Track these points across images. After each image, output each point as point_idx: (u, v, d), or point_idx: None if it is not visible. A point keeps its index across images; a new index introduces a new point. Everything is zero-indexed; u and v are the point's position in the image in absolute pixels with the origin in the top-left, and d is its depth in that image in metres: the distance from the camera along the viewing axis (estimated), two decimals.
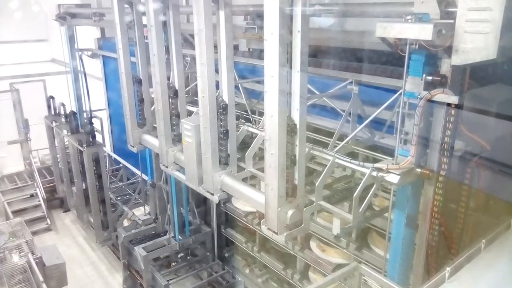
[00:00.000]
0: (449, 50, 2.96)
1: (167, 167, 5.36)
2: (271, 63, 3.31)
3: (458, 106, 3.09)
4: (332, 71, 4.80)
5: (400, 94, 3.38)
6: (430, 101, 3.17)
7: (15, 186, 11.49)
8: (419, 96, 3.20)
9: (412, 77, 3.24)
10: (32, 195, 11.25)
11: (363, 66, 4.49)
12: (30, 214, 10.67)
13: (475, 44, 2.80)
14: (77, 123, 9.73)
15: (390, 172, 3.42)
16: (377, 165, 3.56)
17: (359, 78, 4.46)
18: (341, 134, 4.42)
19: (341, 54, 4.83)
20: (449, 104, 3.12)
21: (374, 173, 3.52)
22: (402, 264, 3.82)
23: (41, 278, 6.34)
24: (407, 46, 3.09)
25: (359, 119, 4.57)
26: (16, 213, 10.07)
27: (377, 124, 4.47)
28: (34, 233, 9.63)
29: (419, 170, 3.40)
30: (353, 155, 4.27)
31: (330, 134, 4.61)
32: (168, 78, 5.30)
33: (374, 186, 3.62)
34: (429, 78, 3.13)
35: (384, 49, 3.59)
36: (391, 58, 4.05)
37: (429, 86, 3.15)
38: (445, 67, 3.14)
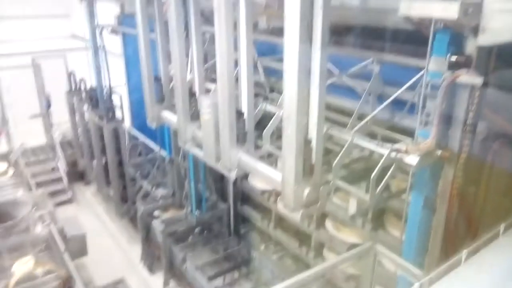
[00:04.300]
0: (475, 30, 2.87)
1: (185, 143, 5.41)
2: (291, 41, 3.26)
3: (483, 87, 3.02)
4: (353, 49, 4.72)
5: (423, 74, 3.31)
6: (453, 81, 3.10)
7: (37, 159, 11.76)
8: (443, 77, 3.13)
9: (435, 57, 3.16)
10: (53, 169, 11.52)
11: (385, 45, 4.40)
12: (52, 186, 10.94)
13: (503, 23, 2.70)
14: (97, 98, 9.85)
15: (410, 154, 3.38)
16: (396, 146, 3.52)
17: (380, 57, 4.37)
18: (360, 114, 4.37)
19: (363, 33, 4.73)
20: (473, 85, 3.05)
21: (393, 154, 3.49)
22: (417, 246, 3.81)
23: (62, 248, 6.58)
24: (432, 25, 3.01)
25: (379, 99, 4.50)
26: (38, 185, 10.33)
27: (398, 104, 4.40)
28: (56, 205, 9.89)
29: (439, 151, 3.35)
30: (372, 136, 4.23)
31: (349, 113, 4.56)
32: (187, 55, 5.29)
33: (393, 167, 3.59)
34: (454, 58, 3.05)
35: (407, 27, 3.50)
36: (414, 37, 3.95)
37: (453, 66, 3.07)
38: (470, 47, 3.06)
